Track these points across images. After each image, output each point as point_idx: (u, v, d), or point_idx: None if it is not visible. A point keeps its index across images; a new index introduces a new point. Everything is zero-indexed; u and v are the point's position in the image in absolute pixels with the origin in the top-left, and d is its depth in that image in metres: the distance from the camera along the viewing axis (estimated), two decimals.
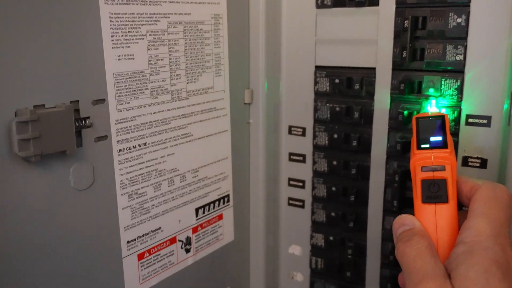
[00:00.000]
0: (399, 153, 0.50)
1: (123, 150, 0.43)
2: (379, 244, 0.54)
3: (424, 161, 0.38)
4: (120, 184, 0.43)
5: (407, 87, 0.49)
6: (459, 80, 0.46)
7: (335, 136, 0.55)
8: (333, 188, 0.56)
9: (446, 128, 0.40)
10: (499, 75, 0.44)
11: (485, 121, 0.46)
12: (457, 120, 0.47)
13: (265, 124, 0.57)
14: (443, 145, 0.39)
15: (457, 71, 0.46)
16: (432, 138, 0.39)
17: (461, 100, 0.46)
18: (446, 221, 0.36)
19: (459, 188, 0.38)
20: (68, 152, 0.37)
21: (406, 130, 0.50)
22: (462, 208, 0.39)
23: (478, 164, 0.47)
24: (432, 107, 0.48)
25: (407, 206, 0.51)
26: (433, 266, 0.33)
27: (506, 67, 0.44)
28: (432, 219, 0.36)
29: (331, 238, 0.57)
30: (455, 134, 0.47)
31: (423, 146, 0.39)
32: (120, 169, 0.43)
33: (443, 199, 0.36)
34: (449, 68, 0.47)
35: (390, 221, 0.53)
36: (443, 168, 0.37)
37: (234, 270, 0.59)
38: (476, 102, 0.46)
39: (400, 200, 0.51)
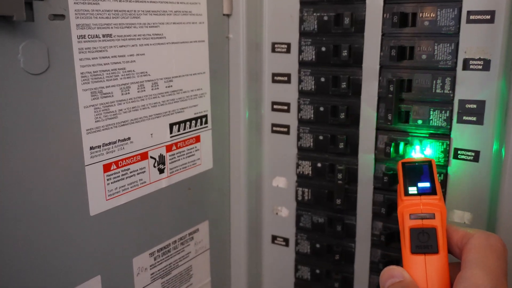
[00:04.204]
0: (394, 60, 0.46)
1: (83, 36, 0.37)
2: (371, 166, 0.50)
3: (413, 208, 0.35)
4: (81, 77, 0.37)
5: None
6: None
7: (323, 49, 0.50)
8: (321, 108, 0.51)
9: (434, 174, 0.37)
10: None
11: (488, 17, 0.42)
12: (457, 19, 0.43)
13: (246, 40, 0.52)
14: (431, 191, 0.36)
15: None
16: (420, 184, 0.37)
17: None
18: (437, 273, 0.33)
19: (449, 237, 0.35)
20: (15, 18, 0.31)
21: (400, 37, 0.46)
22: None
23: (480, 67, 0.43)
24: (416, 153, 0.46)
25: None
26: None
27: None
28: (422, 270, 0.33)
29: (319, 165, 0.53)
30: (456, 32, 0.43)
31: (411, 192, 0.36)
32: (81, 59, 0.37)
33: (433, 249, 0.34)
34: None
35: (383, 139, 0.49)
36: (432, 216, 0.35)
37: (213, 203, 0.54)
38: None
39: (394, 113, 0.46)
